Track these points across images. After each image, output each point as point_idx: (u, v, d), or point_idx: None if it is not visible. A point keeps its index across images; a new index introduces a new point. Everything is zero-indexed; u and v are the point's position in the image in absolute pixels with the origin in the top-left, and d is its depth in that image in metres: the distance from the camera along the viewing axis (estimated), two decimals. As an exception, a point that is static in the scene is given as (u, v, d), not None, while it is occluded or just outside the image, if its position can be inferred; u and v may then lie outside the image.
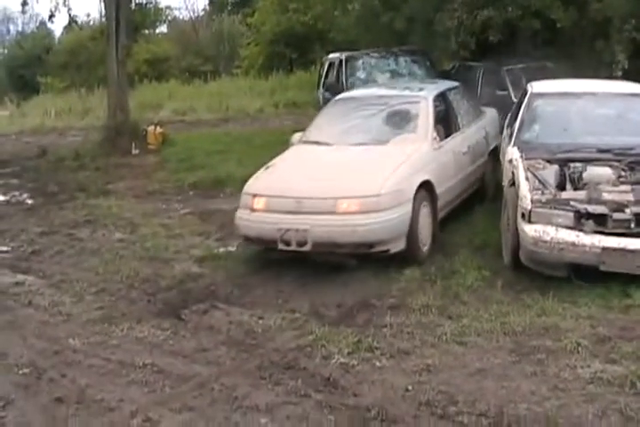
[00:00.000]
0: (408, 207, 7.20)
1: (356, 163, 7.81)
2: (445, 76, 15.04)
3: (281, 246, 7.14)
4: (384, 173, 7.36)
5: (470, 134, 9.29)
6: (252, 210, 7.44)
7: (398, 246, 7.19)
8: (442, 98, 9.16)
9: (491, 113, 10.59)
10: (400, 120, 8.64)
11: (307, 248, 7.03)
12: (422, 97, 8.83)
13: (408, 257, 7.32)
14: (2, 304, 6.95)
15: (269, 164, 8.23)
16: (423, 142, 8.12)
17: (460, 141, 8.86)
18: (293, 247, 7.07)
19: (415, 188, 7.36)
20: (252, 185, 7.74)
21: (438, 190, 7.85)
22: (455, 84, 10.26)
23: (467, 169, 8.91)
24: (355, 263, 7.15)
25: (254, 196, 7.49)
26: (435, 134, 8.27)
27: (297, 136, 8.94)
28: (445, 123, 8.89)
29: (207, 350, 5.67)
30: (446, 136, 8.63)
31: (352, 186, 7.23)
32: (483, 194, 9.47)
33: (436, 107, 8.69)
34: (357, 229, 6.92)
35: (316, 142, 8.50)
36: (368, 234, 6.96)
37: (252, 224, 7.41)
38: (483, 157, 9.49)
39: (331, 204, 7.08)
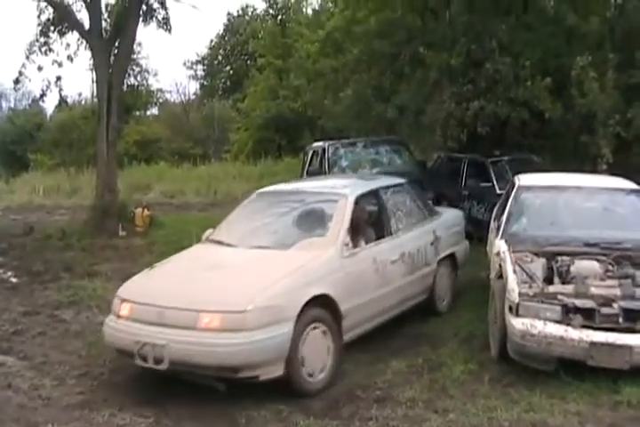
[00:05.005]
0: (286, 327, 6.12)
1: (240, 270, 6.84)
2: (423, 165, 15.39)
3: (138, 362, 6.27)
4: (260, 285, 6.32)
5: (407, 240, 8.20)
6: (118, 317, 6.62)
7: (273, 372, 6.11)
8: (372, 197, 8.17)
9: (449, 215, 9.70)
10: (312, 221, 7.65)
11: (163, 367, 6.07)
12: (342, 195, 7.79)
13: (290, 387, 6.29)
14: (-20, 386, 6.79)
15: (156, 264, 7.58)
16: (330, 248, 7.06)
17: (388, 248, 7.83)
18: (150, 364, 6.16)
19: (301, 304, 6.28)
20: (124, 288, 6.96)
21: (344, 307, 6.78)
22: (400, 181, 9.06)
23: (398, 280, 7.84)
24: (223, 388, 6.15)
25: (123, 301, 6.67)
26: (348, 239, 7.22)
27: (207, 233, 8.08)
28: (371, 226, 7.98)
29: (190, 440, 5.54)
30: (370, 241, 7.69)
31: (218, 298, 6.24)
32: (431, 306, 8.70)
33: (359, 207, 7.70)
34: (216, 349, 5.90)
35: (219, 242, 7.68)
36: (229, 356, 5.91)
37: (115, 333, 6.57)
38: (429, 265, 8.50)
39: (192, 317, 6.07)
